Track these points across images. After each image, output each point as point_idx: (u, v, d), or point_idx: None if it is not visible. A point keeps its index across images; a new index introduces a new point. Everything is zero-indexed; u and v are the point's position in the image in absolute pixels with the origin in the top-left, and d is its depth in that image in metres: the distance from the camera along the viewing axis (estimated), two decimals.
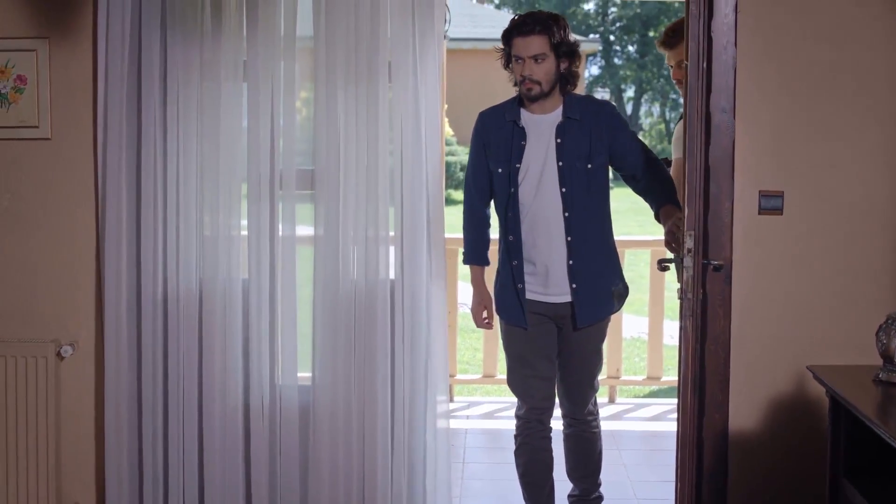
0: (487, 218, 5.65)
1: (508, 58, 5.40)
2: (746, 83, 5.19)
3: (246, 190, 5.53)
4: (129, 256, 5.53)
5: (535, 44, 5.28)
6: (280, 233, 5.54)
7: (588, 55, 30.08)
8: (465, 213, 5.68)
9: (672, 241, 5.44)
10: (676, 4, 26.76)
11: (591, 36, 35.97)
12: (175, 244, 5.52)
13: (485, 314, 5.71)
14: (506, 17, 30.60)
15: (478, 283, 5.73)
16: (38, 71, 5.49)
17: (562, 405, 5.76)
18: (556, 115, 5.41)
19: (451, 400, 8.40)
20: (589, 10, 38.71)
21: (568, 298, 5.45)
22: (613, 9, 36.33)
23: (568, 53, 5.37)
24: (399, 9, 5.42)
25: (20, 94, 5.50)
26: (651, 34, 29.73)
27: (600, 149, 5.39)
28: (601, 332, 5.63)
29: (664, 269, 5.70)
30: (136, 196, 5.51)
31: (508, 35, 5.37)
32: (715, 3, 5.11)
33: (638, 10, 29.50)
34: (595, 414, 5.79)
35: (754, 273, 5.25)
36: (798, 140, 5.21)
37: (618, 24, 36.46)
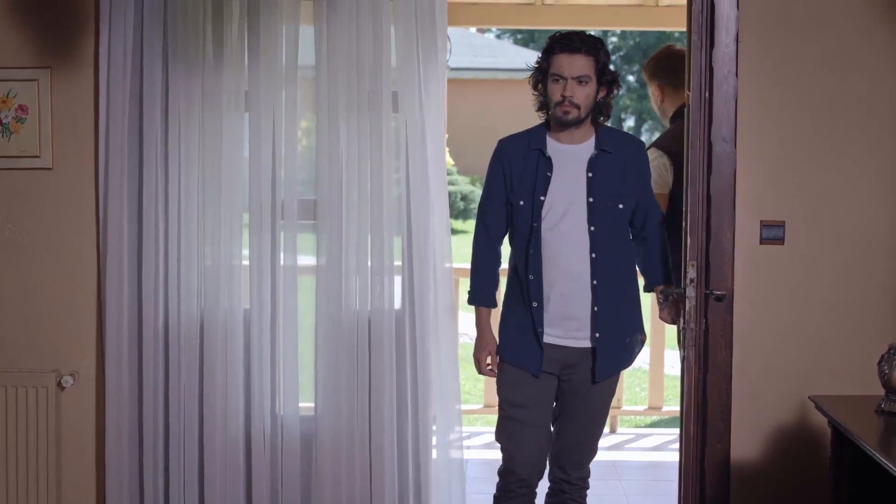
0: (500, 255, 5.21)
1: (542, 76, 4.97)
2: (748, 113, 5.19)
3: (247, 219, 5.53)
4: (131, 286, 5.52)
5: (580, 63, 4.86)
6: (282, 262, 5.54)
7: None
8: (475, 248, 5.20)
9: (666, 309, 5.26)
10: (675, 34, 26.87)
11: None
12: (176, 274, 5.51)
13: (488, 360, 5.16)
14: (506, 48, 30.70)
15: (484, 326, 5.18)
16: (40, 101, 5.50)
17: (552, 467, 5.22)
18: (588, 147, 4.98)
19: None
20: None
21: (588, 344, 4.99)
22: (613, 38, 36.40)
23: (609, 82, 4.97)
24: (402, 38, 5.43)
25: (21, 124, 5.50)
26: None
27: (631, 190, 5.00)
28: (614, 385, 5.17)
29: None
30: (137, 226, 5.51)
31: (550, 50, 4.93)
32: (716, 33, 5.13)
33: (638, 40, 29.56)
34: (587, 478, 5.23)
35: (756, 303, 5.24)
36: (799, 170, 5.22)
37: (618, 54, 36.54)
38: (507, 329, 5.12)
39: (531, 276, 4.96)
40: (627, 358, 5.13)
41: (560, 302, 4.97)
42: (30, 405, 5.48)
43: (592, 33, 5.09)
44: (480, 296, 5.21)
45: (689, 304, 5.10)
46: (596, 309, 4.95)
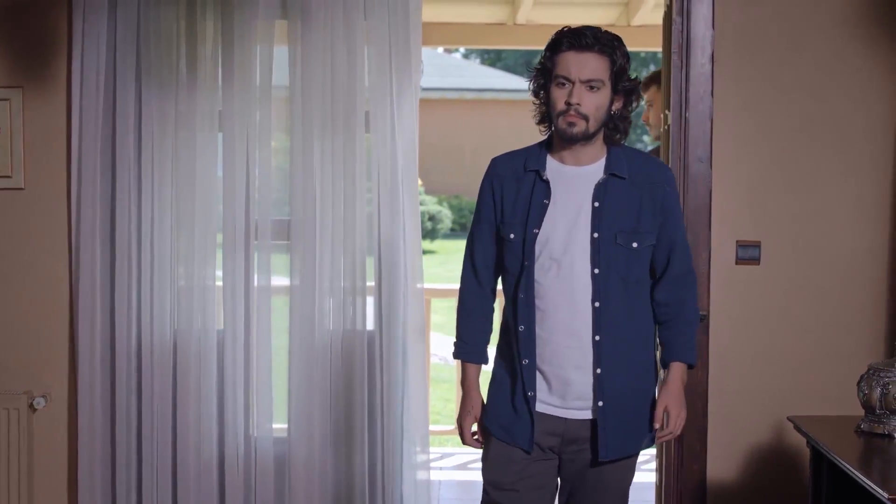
0: (492, 299, 4.29)
1: (545, 79, 4.06)
2: (723, 133, 5.21)
3: (221, 240, 5.50)
4: (103, 307, 5.49)
5: (592, 64, 3.93)
6: (255, 283, 5.51)
7: None
8: (462, 289, 4.30)
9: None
10: (643, 54, 26.99)
11: None
12: (149, 294, 5.48)
13: (474, 427, 4.26)
14: (474, 68, 30.70)
15: (471, 385, 4.27)
16: (12, 120, 5.46)
17: None
18: (596, 170, 4.06)
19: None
20: None
21: (589, 415, 4.04)
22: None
23: (627, 90, 4.05)
24: (376, 59, 5.42)
25: None
26: None
27: (651, 226, 4.05)
28: (631, 469, 4.18)
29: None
30: (110, 246, 5.48)
31: (556, 46, 3.99)
32: (691, 53, 5.14)
33: None
34: None
35: (732, 323, 5.25)
36: (775, 190, 5.23)
37: None
38: (494, 391, 4.20)
39: (521, 328, 4.05)
40: (642, 435, 4.13)
41: (555, 361, 4.04)
42: (1, 426, 5.43)
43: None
44: (471, 349, 4.29)
45: None
46: (599, 371, 4.00)
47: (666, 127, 5.34)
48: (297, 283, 5.49)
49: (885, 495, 3.60)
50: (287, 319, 5.53)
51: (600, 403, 4.00)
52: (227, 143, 5.46)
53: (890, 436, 4.26)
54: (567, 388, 4.03)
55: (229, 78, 5.45)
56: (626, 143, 4.13)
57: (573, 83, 3.93)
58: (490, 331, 4.32)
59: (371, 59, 5.45)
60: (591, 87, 3.93)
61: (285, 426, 5.58)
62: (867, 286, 5.25)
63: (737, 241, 5.24)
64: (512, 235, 4.07)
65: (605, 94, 3.96)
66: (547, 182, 4.05)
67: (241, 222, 5.47)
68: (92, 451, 5.50)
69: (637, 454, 4.15)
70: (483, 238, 4.20)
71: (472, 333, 4.27)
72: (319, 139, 5.44)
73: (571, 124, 3.95)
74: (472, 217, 4.38)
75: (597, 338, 3.99)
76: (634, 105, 4.11)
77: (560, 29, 4.02)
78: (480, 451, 4.25)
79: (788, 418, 4.67)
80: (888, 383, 4.27)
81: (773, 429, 5.25)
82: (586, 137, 3.99)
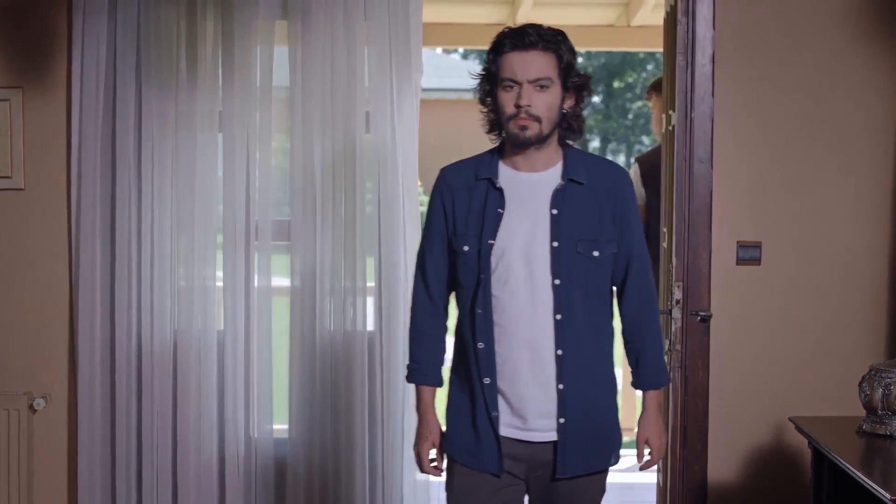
0: (445, 318, 4.06)
1: (490, 84, 3.85)
2: (724, 133, 5.20)
3: (221, 240, 5.49)
4: (103, 307, 5.47)
5: (538, 63, 3.72)
6: (256, 283, 5.50)
7: None
8: (413, 309, 4.06)
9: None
10: (641, 55, 26.97)
11: None
12: (149, 295, 5.46)
13: (432, 454, 4.04)
14: (472, 68, 30.67)
15: (426, 410, 4.03)
16: (12, 121, 5.44)
17: None
18: (553, 176, 3.85)
19: None
20: None
21: (553, 437, 3.83)
22: (578, 59, 36.63)
23: (577, 86, 3.84)
24: (376, 59, 5.41)
25: None
26: (616, 84, 29.84)
27: (611, 234, 3.86)
28: (601, 488, 4.02)
29: None
30: (110, 247, 5.47)
31: (499, 48, 3.78)
32: (693, 54, 5.13)
33: (603, 61, 29.62)
34: None
35: (732, 323, 5.24)
36: (776, 190, 5.22)
37: None
38: (453, 415, 3.97)
39: (480, 345, 3.81)
40: (606, 453, 3.98)
41: (516, 379, 3.81)
42: (1, 427, 5.42)
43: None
44: (425, 371, 4.03)
45: (675, 326, 5.10)
46: (561, 387, 3.80)
47: (670, 128, 5.33)
48: (297, 283, 5.48)
49: (888, 496, 3.59)
50: (287, 320, 5.52)
51: (562, 420, 3.80)
52: (228, 143, 5.44)
53: (892, 437, 4.25)
54: (529, 406, 3.81)
55: (229, 78, 5.43)
56: (579, 147, 3.99)
57: (520, 84, 3.73)
58: (444, 351, 4.07)
59: (371, 59, 5.44)
60: (540, 87, 3.73)
61: (285, 427, 5.57)
62: (867, 286, 5.24)
63: (737, 242, 5.22)
64: (466, 248, 3.85)
65: (555, 92, 3.76)
66: (501, 190, 3.84)
67: (242, 223, 5.46)
68: (92, 451, 5.49)
69: (605, 471, 3.98)
70: (434, 252, 3.97)
71: (426, 354, 4.02)
72: (320, 140, 5.43)
73: (524, 128, 3.74)
74: None
75: (559, 352, 3.78)
76: (586, 101, 3.90)
77: (501, 30, 3.83)
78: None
79: (790, 419, 4.65)
80: (890, 384, 4.26)
81: (773, 429, 5.24)
82: (540, 140, 3.78)
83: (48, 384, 5.55)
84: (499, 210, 3.81)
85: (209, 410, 5.48)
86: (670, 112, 5.19)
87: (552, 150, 3.85)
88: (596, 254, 3.80)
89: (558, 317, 3.76)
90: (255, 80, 5.45)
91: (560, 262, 3.76)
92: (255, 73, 5.45)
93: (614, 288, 3.98)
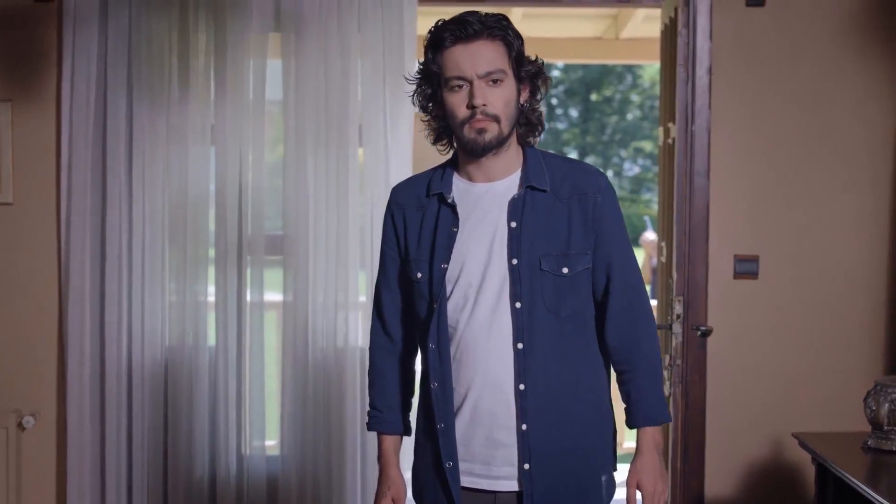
0: (410, 357, 3.61)
1: (432, 87, 3.35)
2: (722, 146, 5.18)
3: (213, 255, 5.44)
4: (93, 323, 5.42)
5: (487, 54, 3.23)
6: (248, 298, 5.45)
7: None
8: (371, 349, 3.61)
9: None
10: (619, 68, 27.02)
11: None
12: (140, 311, 5.41)
13: None
14: None
15: (387, 462, 3.54)
16: (1, 134, 5.39)
17: None
18: (511, 184, 3.35)
19: None
20: None
21: (516, 486, 3.33)
22: (556, 72, 36.63)
23: (531, 75, 3.34)
24: (370, 72, 5.37)
25: None
26: (593, 97, 29.93)
27: (584, 246, 3.33)
28: None
29: None
30: (100, 262, 5.41)
31: (438, 44, 3.28)
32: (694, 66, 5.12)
33: (581, 74, 29.69)
34: None
35: (730, 338, 5.22)
36: (773, 204, 5.21)
37: (560, 87, 36.71)
38: (419, 458, 3.52)
39: (434, 384, 3.37)
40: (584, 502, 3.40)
41: (476, 420, 3.33)
42: None
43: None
44: (380, 420, 3.58)
45: (676, 341, 5.07)
46: (524, 428, 3.29)
47: (669, 141, 5.30)
48: (290, 298, 5.44)
49: None
50: (280, 335, 5.47)
51: (526, 466, 3.29)
52: (220, 157, 5.40)
53: None
54: (492, 452, 3.32)
55: (222, 91, 5.39)
56: (547, 149, 3.52)
57: (470, 82, 3.22)
58: (411, 394, 3.63)
59: (365, 72, 5.41)
60: (493, 81, 3.22)
61: (277, 443, 5.52)
62: (866, 301, 5.22)
63: (735, 256, 5.21)
64: (419, 275, 3.38)
65: (510, 85, 3.26)
66: (453, 206, 3.34)
67: (234, 237, 5.41)
68: (81, 470, 5.43)
69: None
70: (390, 283, 3.51)
71: (386, 399, 3.56)
72: (312, 153, 5.39)
73: (482, 131, 3.23)
74: None
75: (521, 387, 3.27)
76: (543, 92, 3.39)
77: (436, 23, 3.32)
78: None
79: (793, 434, 4.63)
80: None
81: (772, 444, 5.22)
82: (501, 143, 3.27)
83: (37, 402, 5.49)
84: (453, 229, 3.33)
85: (201, 428, 5.43)
86: (669, 125, 5.16)
87: (511, 155, 3.35)
88: (566, 270, 3.29)
89: (519, 346, 3.27)
90: (248, 93, 5.41)
91: (521, 283, 3.27)
92: (247, 86, 5.41)
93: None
